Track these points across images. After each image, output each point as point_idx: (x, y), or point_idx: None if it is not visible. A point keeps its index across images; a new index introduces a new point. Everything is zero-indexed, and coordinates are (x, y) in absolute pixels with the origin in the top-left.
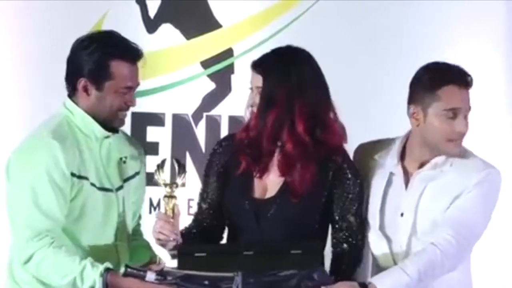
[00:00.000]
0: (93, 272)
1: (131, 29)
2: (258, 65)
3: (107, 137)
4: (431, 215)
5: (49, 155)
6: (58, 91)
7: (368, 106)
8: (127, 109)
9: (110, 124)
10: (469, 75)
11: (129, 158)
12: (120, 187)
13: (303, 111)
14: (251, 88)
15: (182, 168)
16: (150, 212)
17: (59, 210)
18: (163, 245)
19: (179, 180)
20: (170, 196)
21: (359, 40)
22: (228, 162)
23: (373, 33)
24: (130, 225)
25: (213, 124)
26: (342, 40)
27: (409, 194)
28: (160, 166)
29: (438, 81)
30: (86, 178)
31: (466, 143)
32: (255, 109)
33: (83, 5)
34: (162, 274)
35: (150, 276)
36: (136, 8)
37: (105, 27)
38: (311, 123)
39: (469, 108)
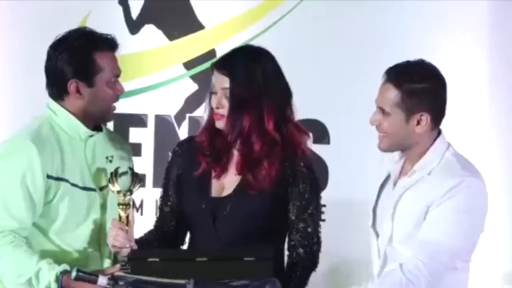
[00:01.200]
0: (49, 274)
1: (114, 30)
2: (223, 66)
3: (91, 136)
4: (405, 225)
5: (25, 158)
6: (40, 93)
7: (352, 106)
8: (118, 99)
9: (103, 120)
10: (396, 74)
11: (116, 158)
12: (105, 187)
13: (271, 109)
14: (214, 92)
15: (137, 177)
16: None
17: (27, 214)
18: (117, 252)
19: (133, 189)
20: (124, 204)
21: (341, 42)
22: (187, 164)
23: (356, 34)
24: None
25: (196, 125)
26: (325, 42)
27: (392, 197)
28: (114, 175)
29: None
30: (65, 180)
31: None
32: (221, 111)
33: (65, 6)
34: (114, 278)
35: (102, 280)
36: (119, 9)
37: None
38: (278, 120)
39: (386, 104)
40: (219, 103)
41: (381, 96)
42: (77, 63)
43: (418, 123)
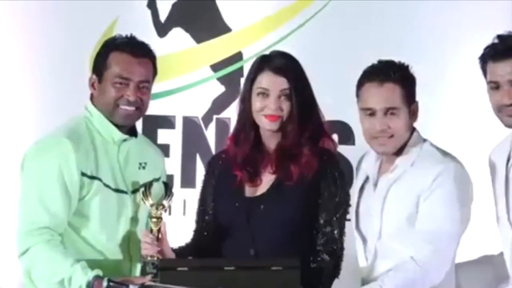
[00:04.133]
0: (82, 278)
1: (142, 33)
2: (281, 69)
3: (125, 140)
4: (396, 219)
5: (61, 154)
6: (70, 94)
7: None
8: (128, 104)
9: (111, 118)
10: (389, 71)
11: (149, 164)
12: (136, 190)
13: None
14: (264, 93)
15: (169, 191)
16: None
17: (63, 209)
18: (146, 263)
19: (165, 202)
20: (157, 217)
21: (365, 44)
22: (222, 176)
23: (380, 34)
24: (144, 226)
25: (222, 127)
26: (349, 44)
27: (376, 196)
28: (147, 189)
29: (359, 80)
30: (98, 179)
31: (472, 141)
32: (279, 113)
33: (95, 10)
34: None
35: None
36: (147, 13)
37: (117, 31)
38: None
39: (395, 102)
40: (277, 105)
41: (384, 97)
42: (96, 58)
43: (414, 113)
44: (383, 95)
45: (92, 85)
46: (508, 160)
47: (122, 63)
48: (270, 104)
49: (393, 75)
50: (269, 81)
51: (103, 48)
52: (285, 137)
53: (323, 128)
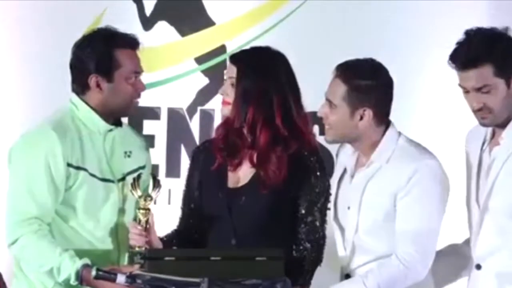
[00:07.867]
0: (70, 267)
1: (128, 26)
2: (236, 57)
3: (111, 130)
4: (373, 215)
5: (48, 145)
6: (57, 87)
7: None
8: (139, 96)
9: (123, 114)
10: (342, 68)
11: (134, 153)
12: (122, 179)
13: (280, 108)
14: (225, 79)
15: (157, 183)
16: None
17: (50, 199)
18: (134, 254)
19: (153, 194)
20: (145, 209)
21: (351, 36)
22: (206, 161)
23: (359, 30)
24: (131, 214)
25: (206, 118)
26: (334, 37)
27: (353, 189)
28: (136, 180)
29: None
30: (84, 169)
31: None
32: (225, 98)
33: (81, 3)
34: (132, 277)
35: (120, 278)
36: (133, 6)
37: (103, 24)
38: (286, 118)
39: (334, 97)
40: (223, 90)
41: (330, 90)
42: (98, 58)
43: (361, 118)
44: (330, 87)
45: (97, 85)
46: (483, 143)
47: (131, 59)
48: (221, 90)
49: (344, 74)
50: (227, 68)
51: (103, 47)
52: (250, 136)
53: (303, 123)
